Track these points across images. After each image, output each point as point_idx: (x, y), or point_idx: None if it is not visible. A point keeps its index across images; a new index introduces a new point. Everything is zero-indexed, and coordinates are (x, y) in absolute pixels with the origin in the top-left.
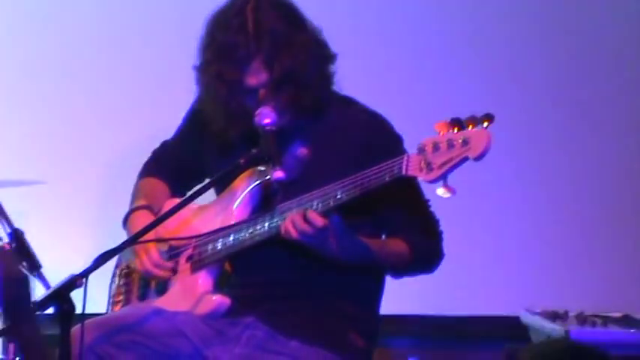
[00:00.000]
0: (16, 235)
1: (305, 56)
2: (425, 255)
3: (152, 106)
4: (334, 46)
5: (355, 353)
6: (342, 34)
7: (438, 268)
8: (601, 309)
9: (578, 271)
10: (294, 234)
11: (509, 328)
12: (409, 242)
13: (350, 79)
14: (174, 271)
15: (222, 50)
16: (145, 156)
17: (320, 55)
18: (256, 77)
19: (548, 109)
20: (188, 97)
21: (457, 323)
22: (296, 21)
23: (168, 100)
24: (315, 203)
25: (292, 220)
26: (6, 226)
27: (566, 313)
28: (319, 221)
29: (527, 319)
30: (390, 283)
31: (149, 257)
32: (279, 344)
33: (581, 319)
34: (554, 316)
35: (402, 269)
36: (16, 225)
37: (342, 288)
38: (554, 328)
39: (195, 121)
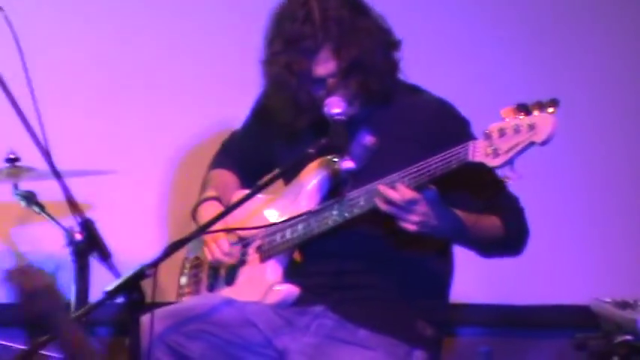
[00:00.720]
0: (87, 225)
1: (371, 43)
2: (517, 230)
3: (221, 98)
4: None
5: (424, 342)
6: (404, 22)
7: (525, 247)
8: None
9: None
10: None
11: (580, 317)
12: (501, 217)
13: (415, 68)
14: (242, 259)
15: (289, 41)
16: (215, 147)
17: (385, 41)
18: (324, 67)
19: (618, 93)
20: (256, 88)
21: (527, 312)
22: (360, 8)
23: (237, 91)
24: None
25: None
26: (77, 215)
27: (635, 302)
28: (408, 194)
29: (597, 307)
30: (461, 272)
31: (218, 246)
32: (348, 333)
33: None
34: (623, 305)
35: (494, 247)
36: (87, 215)
37: (411, 277)
38: (624, 317)
39: (262, 113)
